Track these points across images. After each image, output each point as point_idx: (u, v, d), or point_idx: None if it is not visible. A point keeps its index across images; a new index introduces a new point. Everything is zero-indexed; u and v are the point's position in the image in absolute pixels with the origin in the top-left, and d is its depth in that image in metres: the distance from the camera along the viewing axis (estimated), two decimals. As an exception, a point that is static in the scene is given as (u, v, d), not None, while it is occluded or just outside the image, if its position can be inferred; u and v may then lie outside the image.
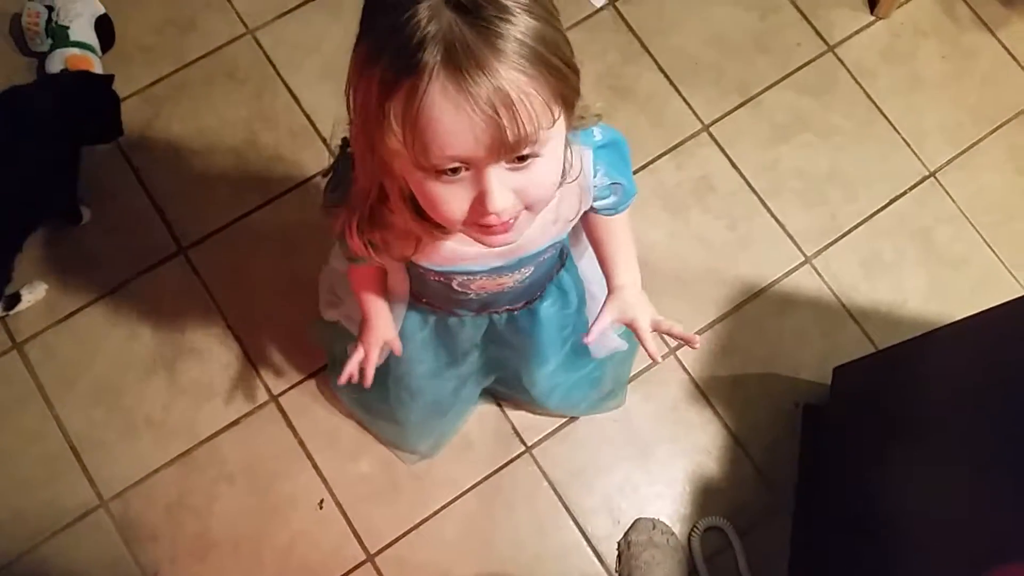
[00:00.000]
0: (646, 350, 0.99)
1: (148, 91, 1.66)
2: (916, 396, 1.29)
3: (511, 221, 0.73)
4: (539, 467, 1.50)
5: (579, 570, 1.46)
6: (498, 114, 0.63)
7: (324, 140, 1.63)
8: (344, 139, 0.85)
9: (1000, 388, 1.08)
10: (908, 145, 1.74)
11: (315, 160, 1.62)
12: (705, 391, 1.56)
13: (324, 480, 1.47)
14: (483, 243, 0.77)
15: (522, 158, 0.68)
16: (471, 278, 0.94)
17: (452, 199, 0.70)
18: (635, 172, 1.65)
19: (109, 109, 1.49)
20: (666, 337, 1.01)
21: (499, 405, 1.52)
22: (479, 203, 0.69)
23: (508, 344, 1.19)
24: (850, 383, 1.46)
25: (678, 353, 1.57)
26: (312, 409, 1.50)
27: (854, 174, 1.71)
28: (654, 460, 1.52)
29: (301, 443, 1.48)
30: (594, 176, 0.90)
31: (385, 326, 1.08)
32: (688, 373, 1.56)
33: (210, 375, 1.51)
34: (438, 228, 0.82)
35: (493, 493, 1.48)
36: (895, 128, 1.75)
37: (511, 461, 1.50)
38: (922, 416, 1.24)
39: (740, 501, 1.50)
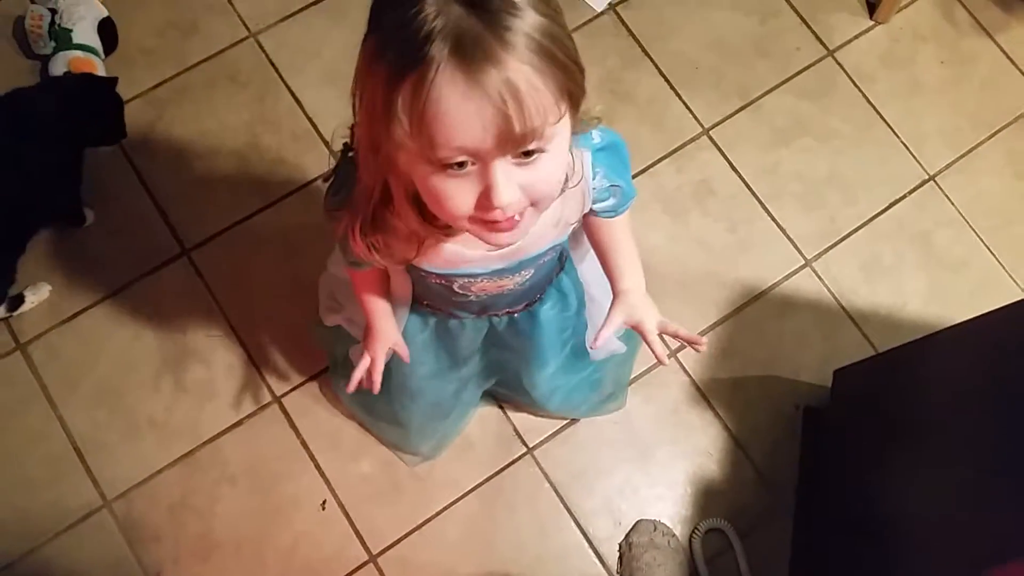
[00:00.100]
0: (653, 353, 0.99)
1: (151, 94, 1.66)
2: (916, 399, 1.29)
3: (517, 218, 0.73)
4: (540, 469, 1.50)
5: (580, 571, 1.46)
6: (506, 105, 0.64)
7: (326, 143, 1.64)
8: (345, 144, 0.86)
9: (1000, 391, 1.09)
10: (907, 149, 1.75)
11: (317, 163, 1.63)
12: (706, 393, 1.56)
13: (326, 481, 1.47)
14: (489, 241, 0.77)
15: (528, 153, 0.69)
16: (472, 280, 0.94)
17: (458, 194, 0.70)
18: (636, 176, 1.66)
19: (112, 111, 1.49)
20: (667, 338, 1.01)
21: (500, 407, 1.53)
22: (485, 198, 0.70)
23: (508, 347, 1.19)
24: (850, 386, 1.47)
25: (679, 355, 1.58)
26: (314, 410, 1.51)
27: (854, 178, 1.72)
28: (655, 462, 1.52)
29: (304, 444, 1.49)
30: (593, 178, 0.90)
31: (389, 329, 1.08)
32: (689, 375, 1.57)
33: (213, 376, 1.51)
34: (442, 230, 0.82)
35: (495, 494, 1.49)
36: (894, 132, 1.76)
37: (512, 462, 1.51)
38: (922, 419, 1.24)
39: (741, 503, 1.50)
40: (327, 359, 1.49)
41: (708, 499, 1.50)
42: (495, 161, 0.68)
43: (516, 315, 1.11)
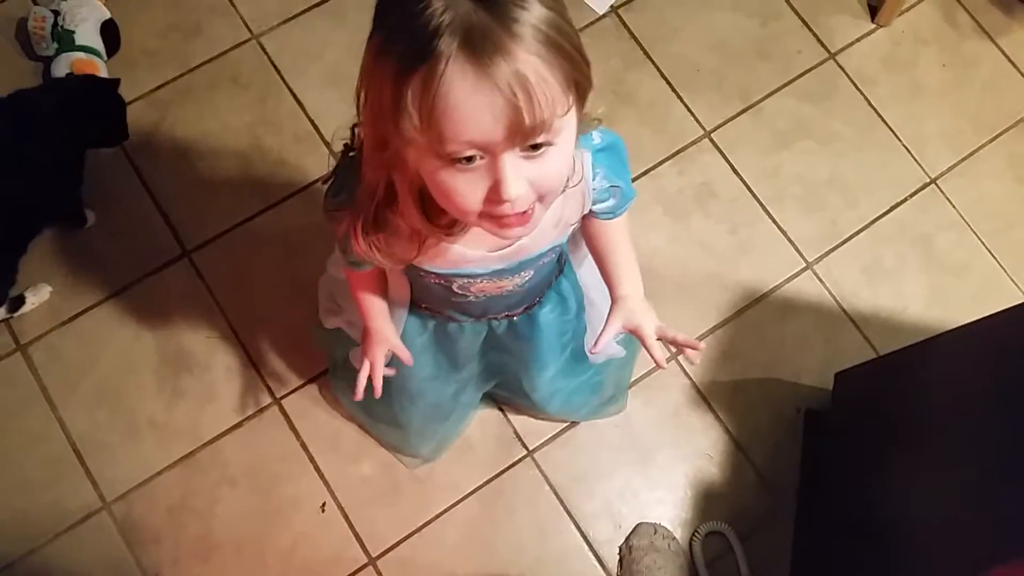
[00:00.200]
0: (652, 357, 0.99)
1: (153, 95, 1.67)
2: (917, 402, 1.29)
3: (527, 212, 0.73)
4: (541, 471, 1.50)
5: (580, 574, 1.46)
6: (516, 97, 0.64)
7: (328, 145, 1.64)
8: (345, 144, 0.86)
9: (1001, 393, 1.08)
10: (909, 152, 1.75)
11: (318, 165, 1.63)
12: (707, 396, 1.56)
13: (326, 483, 1.47)
14: (499, 235, 0.77)
15: (536, 147, 0.69)
16: (472, 281, 0.94)
17: (467, 188, 0.70)
18: (637, 178, 1.67)
19: (114, 113, 1.49)
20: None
21: (501, 409, 1.53)
22: (494, 192, 0.70)
23: (507, 350, 1.19)
24: (851, 388, 1.47)
25: (680, 358, 1.58)
26: (314, 412, 1.50)
27: (855, 180, 1.72)
28: (655, 465, 1.52)
29: (303, 446, 1.49)
30: (593, 179, 0.91)
31: (386, 330, 1.08)
32: (689, 378, 1.57)
33: (213, 378, 1.51)
34: (444, 229, 0.82)
35: (494, 497, 1.48)
36: (896, 135, 1.76)
37: (513, 465, 1.50)
38: (923, 421, 1.24)
39: (742, 506, 1.50)
40: (327, 361, 1.49)
41: (709, 502, 1.50)
42: (504, 155, 0.68)
43: (515, 319, 1.11)
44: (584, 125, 0.79)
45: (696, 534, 1.47)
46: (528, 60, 0.64)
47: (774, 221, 1.68)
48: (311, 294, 1.34)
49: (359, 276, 1.04)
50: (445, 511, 1.47)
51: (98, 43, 1.61)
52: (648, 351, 1.00)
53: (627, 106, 1.73)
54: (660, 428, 1.54)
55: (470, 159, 0.68)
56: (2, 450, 1.46)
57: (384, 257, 0.86)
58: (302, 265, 1.54)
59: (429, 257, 0.89)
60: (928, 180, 1.74)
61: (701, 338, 1.58)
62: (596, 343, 0.99)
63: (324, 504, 1.46)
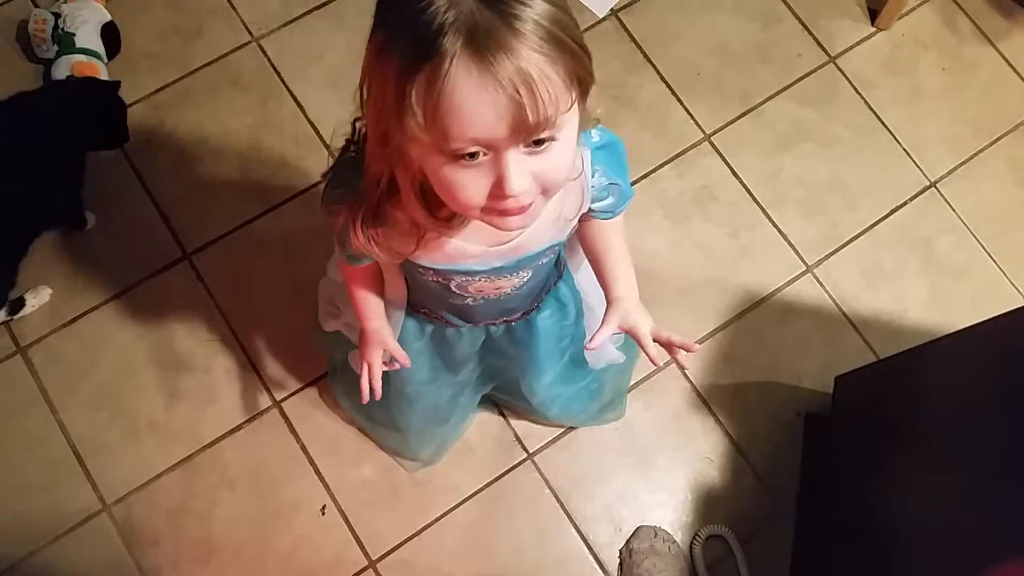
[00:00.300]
0: (648, 355, 1.00)
1: (153, 98, 1.67)
2: (917, 405, 1.29)
3: (529, 204, 0.73)
4: (541, 474, 1.50)
5: (580, 577, 1.46)
6: (520, 95, 0.64)
7: (328, 147, 1.64)
8: (346, 140, 0.86)
9: (1001, 397, 1.08)
10: (909, 156, 1.75)
11: (319, 167, 1.59)
12: (707, 399, 1.56)
13: (326, 486, 1.47)
14: (500, 227, 0.77)
15: (539, 142, 0.69)
16: (469, 279, 0.94)
17: (471, 184, 0.71)
18: (637, 181, 1.67)
19: (115, 115, 1.49)
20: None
21: (501, 412, 1.53)
22: (498, 187, 0.70)
23: (506, 355, 1.19)
24: (852, 392, 1.47)
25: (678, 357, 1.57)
26: (314, 415, 1.50)
27: (855, 184, 1.72)
28: (656, 468, 1.52)
29: (303, 449, 1.49)
30: (592, 176, 0.91)
31: (383, 331, 1.08)
32: (690, 381, 1.57)
33: (213, 380, 1.51)
34: (444, 223, 0.82)
35: (495, 500, 1.48)
36: (896, 139, 1.76)
37: (513, 468, 1.50)
38: (923, 425, 1.24)
39: (742, 509, 1.50)
40: (327, 364, 1.49)
41: (709, 505, 1.50)
42: (508, 151, 0.68)
43: (514, 324, 1.11)
44: (585, 124, 0.80)
45: (696, 537, 1.47)
46: (531, 57, 0.64)
47: (774, 224, 1.68)
48: (311, 297, 1.34)
49: (355, 272, 1.04)
50: (445, 514, 1.47)
51: (99, 45, 1.62)
52: (644, 350, 1.00)
53: (627, 109, 1.73)
54: (660, 431, 1.54)
55: (474, 155, 0.68)
56: (2, 452, 1.45)
57: (382, 251, 0.87)
58: (302, 268, 1.54)
59: (428, 252, 0.89)
60: (928, 183, 1.74)
61: (701, 341, 1.58)
62: (592, 339, 1.00)
63: (324, 507, 1.46)
